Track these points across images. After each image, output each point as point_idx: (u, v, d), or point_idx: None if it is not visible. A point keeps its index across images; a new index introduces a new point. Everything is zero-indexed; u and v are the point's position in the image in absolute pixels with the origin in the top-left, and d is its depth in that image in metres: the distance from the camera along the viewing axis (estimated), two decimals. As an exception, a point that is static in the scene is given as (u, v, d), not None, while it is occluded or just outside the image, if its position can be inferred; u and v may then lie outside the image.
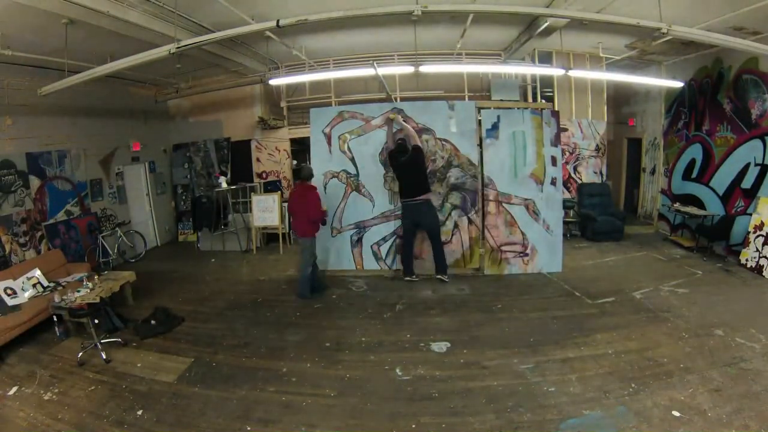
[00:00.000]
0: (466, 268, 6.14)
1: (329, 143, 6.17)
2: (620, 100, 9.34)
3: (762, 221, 5.59)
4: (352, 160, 6.13)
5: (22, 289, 4.93)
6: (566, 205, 8.11)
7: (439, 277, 5.80)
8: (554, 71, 7.62)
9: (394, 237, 6.13)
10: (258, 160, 9.04)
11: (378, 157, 6.06)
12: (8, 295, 4.78)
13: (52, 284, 5.20)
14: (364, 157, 6.10)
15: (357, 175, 6.11)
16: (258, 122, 8.75)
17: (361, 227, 6.19)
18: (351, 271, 6.30)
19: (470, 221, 6.06)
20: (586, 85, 8.22)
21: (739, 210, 6.13)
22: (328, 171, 6.18)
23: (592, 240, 7.56)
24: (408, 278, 5.81)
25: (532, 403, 3.18)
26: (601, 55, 7.48)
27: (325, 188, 6.18)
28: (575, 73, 7.11)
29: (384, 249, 6.14)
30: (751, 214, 5.81)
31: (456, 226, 6.07)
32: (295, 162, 9.27)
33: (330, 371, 3.79)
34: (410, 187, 5.62)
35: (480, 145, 6.02)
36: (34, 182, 6.08)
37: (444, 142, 6.01)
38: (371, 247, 6.21)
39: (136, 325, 4.75)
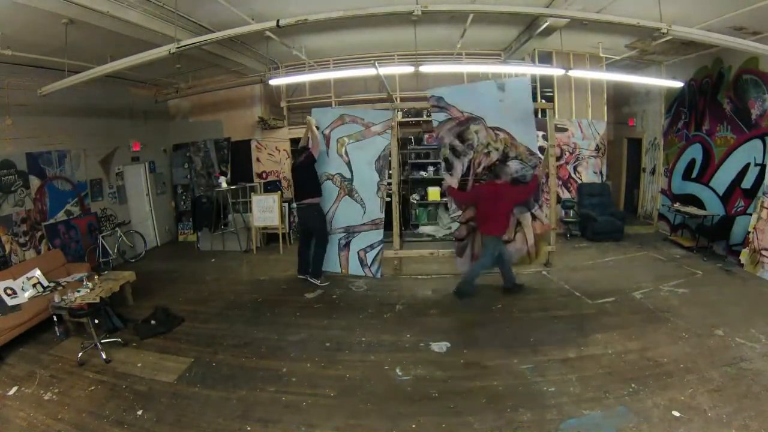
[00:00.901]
0: (531, 265, 5.92)
1: (327, 145, 6.12)
2: (620, 100, 9.33)
3: (762, 221, 5.59)
4: (348, 164, 6.08)
5: (22, 289, 4.93)
6: (566, 205, 8.12)
7: (310, 279, 5.77)
8: (554, 71, 7.62)
9: (381, 245, 6.08)
10: (258, 160, 9.04)
11: (374, 164, 5.97)
12: (8, 295, 4.78)
13: (52, 284, 5.20)
14: (360, 162, 6.03)
15: (351, 179, 6.08)
16: (258, 122, 8.75)
17: (350, 232, 6.16)
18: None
19: (534, 217, 5.61)
20: (586, 85, 8.22)
21: (739, 210, 6.13)
22: (324, 172, 6.14)
23: (592, 240, 7.56)
24: (300, 276, 5.90)
25: (532, 403, 3.18)
26: (601, 55, 7.47)
27: None
28: (575, 73, 7.11)
29: (370, 256, 6.11)
30: (751, 214, 5.80)
31: (518, 223, 5.62)
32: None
33: (330, 371, 3.79)
34: (297, 189, 5.65)
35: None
36: (34, 182, 6.08)
37: (497, 132, 5.36)
38: (358, 252, 6.17)
39: (136, 325, 4.74)
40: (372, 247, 6.11)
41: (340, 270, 6.23)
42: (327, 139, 6.12)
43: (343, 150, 6.08)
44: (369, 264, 6.14)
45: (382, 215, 6.07)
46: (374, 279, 6.10)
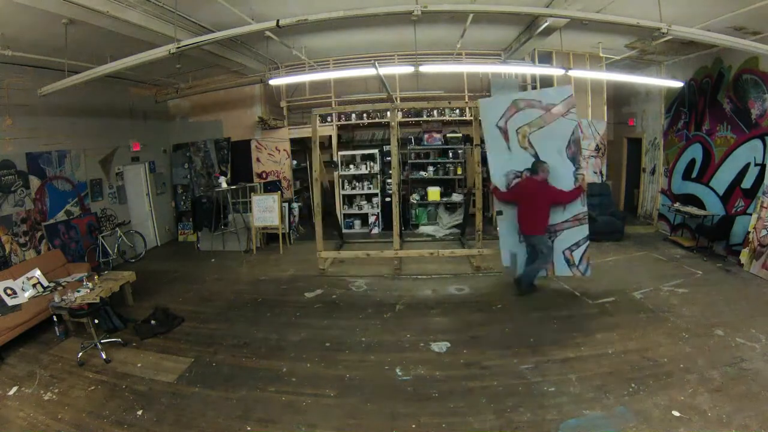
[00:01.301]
0: None
1: (507, 139, 5.34)
2: (620, 100, 9.34)
3: (762, 221, 5.58)
4: (536, 156, 5.25)
5: (22, 289, 4.93)
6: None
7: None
8: (554, 71, 7.61)
9: (587, 242, 5.35)
10: (258, 160, 9.04)
11: (565, 152, 5.15)
12: (8, 295, 4.78)
13: (52, 284, 5.21)
14: (549, 152, 5.17)
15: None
16: (258, 122, 8.75)
17: (551, 231, 5.37)
18: (351, 271, 6.30)
19: None
20: (586, 85, 8.21)
21: (739, 210, 6.13)
22: (510, 171, 5.42)
23: (592, 240, 7.51)
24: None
25: (532, 403, 3.18)
26: (601, 55, 7.48)
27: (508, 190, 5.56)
28: (575, 73, 7.10)
29: (577, 255, 5.39)
30: (751, 214, 5.80)
31: None
32: (295, 162, 9.27)
33: (330, 371, 3.79)
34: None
35: None
36: (34, 182, 6.08)
37: None
38: (563, 252, 5.43)
39: (136, 325, 4.74)
40: (578, 245, 5.38)
41: (546, 273, 5.57)
42: (505, 132, 5.33)
43: (527, 141, 5.27)
44: (577, 263, 5.43)
45: (585, 209, 5.28)
46: (374, 279, 6.08)
